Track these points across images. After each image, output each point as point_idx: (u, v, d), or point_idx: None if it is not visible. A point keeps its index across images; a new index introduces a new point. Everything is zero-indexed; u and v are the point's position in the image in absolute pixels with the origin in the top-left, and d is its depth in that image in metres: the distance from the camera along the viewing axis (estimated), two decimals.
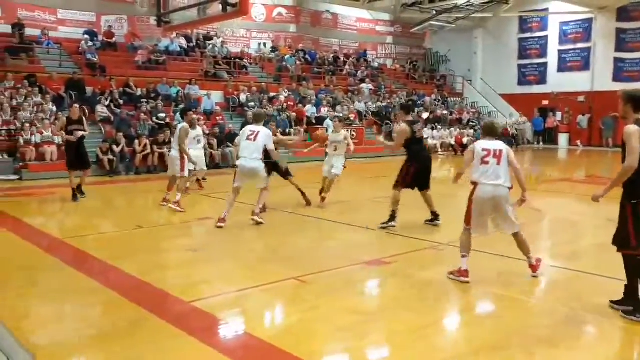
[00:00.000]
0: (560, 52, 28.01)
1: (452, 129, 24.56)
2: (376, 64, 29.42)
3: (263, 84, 22.21)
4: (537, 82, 28.86)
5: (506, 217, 5.77)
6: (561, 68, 27.98)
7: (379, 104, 24.92)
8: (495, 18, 28.96)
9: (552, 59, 28.30)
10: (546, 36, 28.43)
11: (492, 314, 5.06)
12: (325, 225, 8.78)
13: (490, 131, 6.04)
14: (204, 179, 12.72)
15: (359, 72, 27.10)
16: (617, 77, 26.03)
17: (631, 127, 4.56)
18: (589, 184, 14.59)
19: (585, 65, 27.13)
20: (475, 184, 5.74)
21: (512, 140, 26.84)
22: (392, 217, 8.20)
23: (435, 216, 8.56)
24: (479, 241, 7.22)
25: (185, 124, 10.08)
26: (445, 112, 26.54)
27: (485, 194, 5.68)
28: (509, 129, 27.14)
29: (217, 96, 20.64)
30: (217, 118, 18.71)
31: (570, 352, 4.12)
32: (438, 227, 8.43)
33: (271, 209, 9.94)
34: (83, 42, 19.78)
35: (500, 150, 5.73)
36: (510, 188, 5.72)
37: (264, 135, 8.24)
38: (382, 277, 6.12)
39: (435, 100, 27.92)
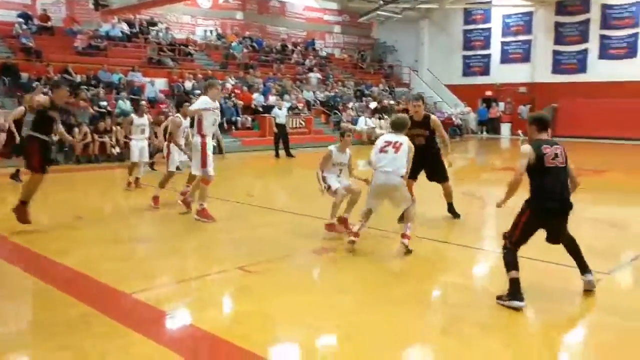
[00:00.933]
0: (502, 44, 28.74)
1: None
2: (324, 53, 29.37)
3: (209, 71, 21.78)
4: (481, 73, 29.54)
5: (401, 197, 6.28)
6: (504, 60, 28.73)
7: (327, 93, 24.91)
8: (440, 9, 29.41)
9: (495, 51, 29.01)
10: (489, 28, 29.10)
11: (442, 302, 5.10)
12: (271, 213, 8.67)
13: (397, 127, 6.47)
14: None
15: (307, 60, 26.99)
16: (555, 69, 26.96)
17: (524, 147, 4.93)
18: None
19: (526, 57, 27.94)
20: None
21: (457, 129, 27.43)
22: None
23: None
24: (430, 231, 7.30)
25: (178, 116, 9.11)
26: (392, 102, 26.79)
27: (379, 180, 6.19)
28: (454, 119, 27.70)
29: (160, 83, 20.11)
30: (161, 106, 18.21)
31: (512, 335, 4.18)
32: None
33: (214, 198, 9.76)
34: (17, 25, 18.83)
35: (401, 143, 6.22)
36: (402, 177, 6.18)
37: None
38: (329, 264, 6.08)
39: (382, 90, 28.15)
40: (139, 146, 10.74)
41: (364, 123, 22.26)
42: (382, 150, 6.26)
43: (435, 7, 29.23)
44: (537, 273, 5.76)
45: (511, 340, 4.14)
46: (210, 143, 7.96)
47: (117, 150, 15.75)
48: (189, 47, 23.14)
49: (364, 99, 26.02)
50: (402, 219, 6.58)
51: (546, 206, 4.80)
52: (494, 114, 28.72)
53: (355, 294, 5.03)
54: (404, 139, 6.31)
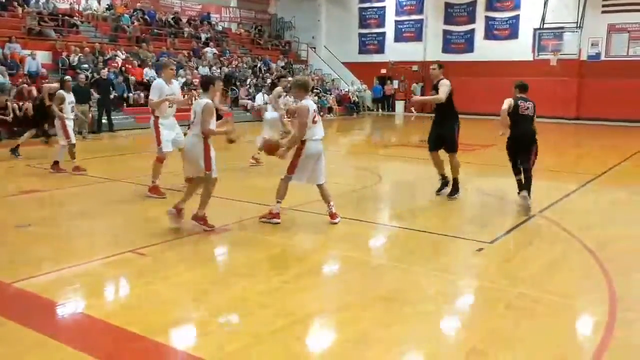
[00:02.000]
0: (396, 22, 29.51)
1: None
2: (220, 28, 28.66)
3: (97, 44, 20.55)
4: (376, 51, 30.20)
5: (322, 168, 6.65)
6: (397, 38, 29.54)
7: (224, 68, 24.38)
8: None
9: (389, 30, 29.74)
10: (384, 7, 29.74)
11: (336, 274, 5.22)
12: (168, 194, 8.40)
13: (306, 86, 6.66)
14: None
15: (203, 35, 26.21)
16: (445, 49, 28.15)
17: (507, 100, 7.46)
18: (422, 148, 15.66)
19: (418, 36, 28.90)
20: (304, 141, 6.37)
21: (354, 106, 27.99)
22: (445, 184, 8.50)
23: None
24: (322, 206, 7.39)
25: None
26: (290, 79, 26.71)
27: (316, 149, 6.49)
28: (350, 96, 28.22)
29: (43, 56, 18.68)
30: (43, 81, 16.93)
31: (401, 306, 4.37)
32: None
33: (109, 179, 9.35)
34: None
35: (316, 109, 6.62)
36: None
37: None
38: (225, 245, 6.02)
39: (281, 67, 27.99)
40: (71, 125, 10.05)
41: (262, 99, 22.05)
42: (314, 121, 6.44)
43: None
44: (430, 243, 6.05)
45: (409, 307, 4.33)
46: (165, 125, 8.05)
47: None
48: (74, 17, 21.66)
49: (261, 75, 25.77)
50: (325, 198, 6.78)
51: (517, 137, 7.39)
52: (389, 91, 29.58)
53: (252, 274, 5.02)
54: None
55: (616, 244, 6.15)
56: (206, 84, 6.35)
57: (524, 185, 7.45)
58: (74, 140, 9.94)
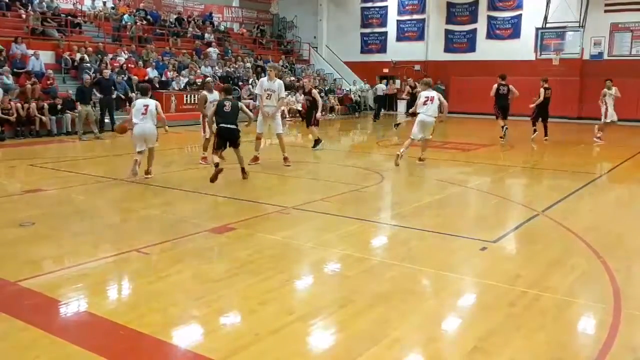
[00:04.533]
0: (398, 22, 29.48)
1: (298, 95, 24.83)
2: (222, 28, 28.68)
3: (100, 44, 20.57)
4: (378, 50, 30.18)
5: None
6: (399, 38, 29.51)
7: (226, 68, 24.40)
8: None
9: (391, 29, 29.70)
10: (386, 6, 29.71)
11: (338, 273, 5.22)
12: (168, 193, 8.43)
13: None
14: None
15: (206, 35, 26.23)
16: (447, 48, 28.13)
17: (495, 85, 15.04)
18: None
19: (420, 35, 28.87)
20: None
21: (356, 106, 27.98)
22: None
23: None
24: (325, 205, 7.42)
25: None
26: (292, 78, 26.74)
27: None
28: (352, 96, 28.20)
29: (46, 56, 18.70)
30: (47, 82, 16.95)
31: (403, 305, 4.37)
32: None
33: (113, 178, 9.38)
34: None
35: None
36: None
37: None
38: (228, 243, 6.02)
39: (282, 66, 27.99)
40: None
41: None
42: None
43: None
44: (432, 242, 6.06)
45: (404, 306, 4.33)
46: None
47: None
48: (78, 17, 21.69)
49: (263, 74, 25.76)
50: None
51: (501, 106, 14.88)
52: (391, 90, 29.54)
53: (254, 272, 5.03)
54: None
55: (620, 243, 6.14)
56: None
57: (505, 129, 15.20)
58: (208, 135, 10.56)
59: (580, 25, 23.62)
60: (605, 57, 24.36)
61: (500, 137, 15.40)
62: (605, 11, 23.97)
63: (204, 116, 10.63)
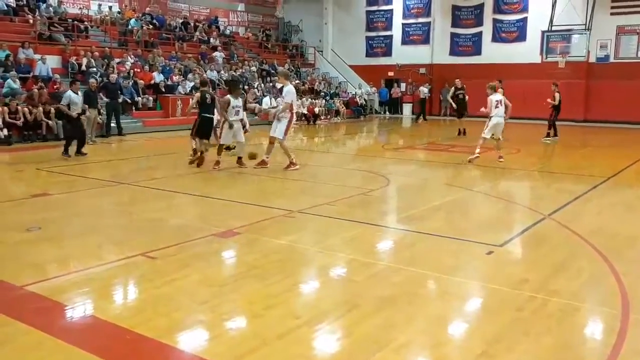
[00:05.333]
0: (404, 25, 29.50)
1: (304, 99, 24.90)
2: (228, 32, 28.77)
3: (106, 48, 20.68)
4: (383, 54, 30.20)
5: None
6: (405, 41, 29.52)
7: (232, 72, 24.46)
8: None
9: (396, 32, 29.73)
10: (391, 10, 29.74)
11: (343, 277, 5.21)
12: (173, 197, 8.45)
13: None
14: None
15: (212, 39, 26.32)
16: (453, 51, 28.13)
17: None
18: (429, 150, 15.64)
19: (425, 39, 28.88)
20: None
21: (361, 109, 27.98)
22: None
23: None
24: (331, 209, 7.42)
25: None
26: (297, 82, 26.80)
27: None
28: (358, 99, 28.21)
29: (53, 61, 18.80)
30: (54, 86, 17.03)
31: (409, 309, 4.36)
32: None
33: (119, 183, 9.41)
34: None
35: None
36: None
37: None
38: (233, 248, 6.03)
39: (288, 70, 28.04)
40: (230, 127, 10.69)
41: (269, 103, 22.15)
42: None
43: None
44: (438, 246, 6.04)
45: (410, 309, 4.31)
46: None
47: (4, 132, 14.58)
48: (84, 22, 21.81)
49: (269, 78, 25.85)
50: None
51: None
52: (396, 94, 29.56)
53: (260, 276, 5.02)
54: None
55: (627, 247, 6.10)
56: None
57: None
58: (223, 141, 10.82)
59: (586, 27, 23.57)
60: (612, 59, 24.29)
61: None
62: (612, 14, 23.90)
63: (225, 120, 10.62)
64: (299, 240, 6.26)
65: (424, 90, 26.19)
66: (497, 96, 11.94)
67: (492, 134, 11.93)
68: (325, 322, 4.11)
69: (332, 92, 28.03)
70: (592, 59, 24.42)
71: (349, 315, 4.23)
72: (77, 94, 12.26)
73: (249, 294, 4.61)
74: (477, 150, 11.78)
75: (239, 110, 10.97)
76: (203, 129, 10.85)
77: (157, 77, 20.43)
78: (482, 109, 12.01)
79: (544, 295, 4.59)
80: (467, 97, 18.54)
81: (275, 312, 4.23)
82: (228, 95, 11.01)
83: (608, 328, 4.07)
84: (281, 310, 4.26)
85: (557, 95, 16.61)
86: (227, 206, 7.90)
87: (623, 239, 6.44)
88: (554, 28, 24.13)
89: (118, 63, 20.00)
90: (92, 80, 15.92)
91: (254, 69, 25.95)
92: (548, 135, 16.91)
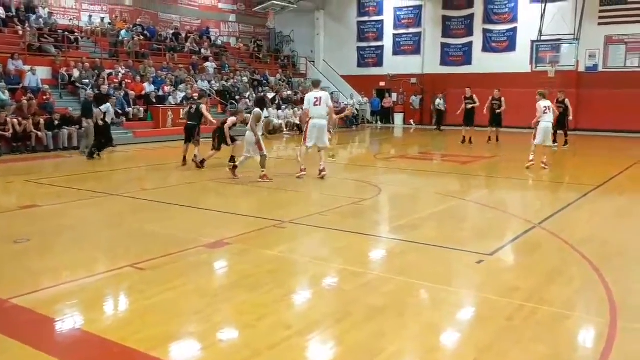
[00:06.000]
0: (395, 36, 29.66)
1: (296, 108, 24.92)
2: (219, 42, 28.82)
3: (97, 59, 20.66)
4: (375, 64, 30.33)
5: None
6: (396, 51, 29.67)
7: (223, 82, 24.49)
8: (335, 1, 29.83)
9: (387, 43, 29.88)
10: (382, 20, 29.92)
11: (334, 287, 5.19)
12: (164, 208, 8.41)
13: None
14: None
15: (203, 49, 26.35)
16: (443, 61, 28.28)
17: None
18: (421, 160, 15.69)
19: (416, 49, 29.03)
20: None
21: (354, 119, 28.03)
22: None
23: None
24: (322, 219, 7.42)
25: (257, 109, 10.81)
26: (289, 92, 26.85)
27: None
28: (351, 109, 28.27)
29: (43, 72, 18.74)
30: (44, 97, 16.95)
31: (400, 318, 4.35)
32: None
33: (108, 194, 9.36)
34: None
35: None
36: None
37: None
38: (224, 258, 6.00)
39: (279, 80, 28.13)
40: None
41: (263, 113, 22.17)
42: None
43: None
44: (429, 255, 6.04)
45: (401, 320, 4.30)
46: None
47: None
48: (75, 33, 21.78)
49: (260, 89, 25.89)
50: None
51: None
52: (387, 103, 29.67)
53: (251, 287, 5.00)
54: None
55: (616, 255, 6.13)
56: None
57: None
58: (265, 152, 10.59)
59: (575, 37, 23.79)
60: (600, 68, 24.50)
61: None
62: (599, 24, 24.15)
63: (256, 134, 10.38)
64: (290, 251, 6.24)
65: (439, 102, 26.33)
66: (546, 102, 12.46)
67: (543, 140, 12.35)
68: (316, 331, 4.09)
69: None
70: (582, 68, 24.62)
71: (339, 324, 4.22)
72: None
73: (240, 304, 4.59)
74: (531, 157, 12.31)
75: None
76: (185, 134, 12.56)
77: (148, 88, 20.42)
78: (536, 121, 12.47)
79: (534, 304, 4.59)
80: (476, 106, 18.66)
81: (266, 322, 4.21)
82: (257, 109, 10.79)
83: (597, 335, 4.08)
84: (272, 321, 4.24)
85: (554, 106, 16.88)
86: (218, 217, 7.87)
87: (612, 247, 6.47)
88: (543, 38, 24.34)
89: (109, 74, 19.97)
90: (89, 91, 15.95)
91: (245, 79, 25.99)
92: (566, 142, 17.38)
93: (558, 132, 17.19)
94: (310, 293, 5.07)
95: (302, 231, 7.07)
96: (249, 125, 10.52)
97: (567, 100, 17.34)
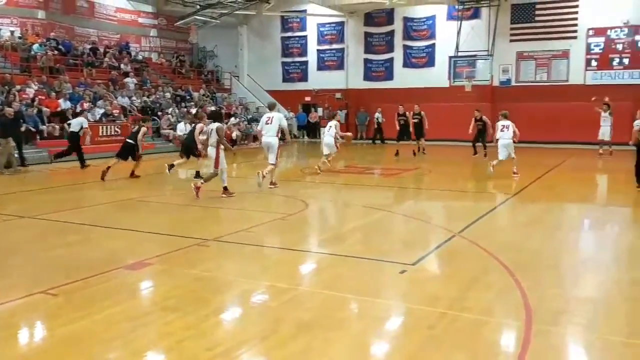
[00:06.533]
0: (319, 51, 30.03)
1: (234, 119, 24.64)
2: (140, 57, 28.12)
3: (7, 75, 19.60)
4: (300, 79, 30.55)
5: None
6: (320, 67, 30.02)
7: (144, 98, 23.86)
8: (258, 16, 29.88)
9: (312, 58, 30.19)
10: (306, 36, 30.22)
11: (260, 304, 5.12)
12: (82, 230, 8.04)
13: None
14: None
15: (122, 65, 25.60)
16: (366, 77, 28.91)
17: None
18: (346, 173, 15.87)
19: (340, 64, 29.52)
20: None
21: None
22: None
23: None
24: (247, 235, 7.34)
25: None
26: (214, 107, 26.51)
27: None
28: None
29: None
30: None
31: (327, 332, 4.34)
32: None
33: (18, 217, 8.85)
34: None
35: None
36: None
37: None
38: (146, 280, 5.80)
39: (203, 95, 27.76)
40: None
41: (184, 129, 21.76)
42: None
43: (253, 14, 29.63)
44: (355, 268, 6.08)
45: (330, 334, 4.29)
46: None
47: None
48: None
49: (184, 104, 25.44)
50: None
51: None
52: (314, 118, 29.93)
53: (175, 308, 4.84)
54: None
55: (531, 261, 6.41)
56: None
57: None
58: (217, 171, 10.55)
59: (489, 53, 24.97)
60: (513, 83, 25.83)
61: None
62: (511, 40, 25.49)
63: (219, 149, 10.36)
64: (214, 269, 6.12)
65: (378, 115, 27.05)
66: (505, 122, 13.88)
67: (508, 155, 13.54)
68: (242, 350, 4.02)
69: (249, 117, 27.98)
70: (496, 83, 25.85)
71: (266, 342, 4.16)
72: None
73: (161, 327, 4.43)
74: (493, 165, 13.58)
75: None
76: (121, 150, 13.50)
77: (64, 104, 19.56)
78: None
79: (455, 311, 4.71)
80: (425, 121, 19.53)
81: (190, 344, 4.08)
82: (218, 124, 10.58)
83: (514, 340, 4.23)
84: (196, 342, 4.11)
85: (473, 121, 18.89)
86: (138, 237, 7.60)
87: (528, 253, 6.76)
88: (459, 54, 25.38)
89: (19, 90, 18.98)
90: (8, 109, 15.08)
91: (168, 94, 25.46)
92: (485, 155, 18.32)
93: (477, 144, 18.69)
94: (236, 312, 4.98)
95: (226, 249, 6.95)
96: (213, 141, 10.29)
97: (484, 117, 18.72)
